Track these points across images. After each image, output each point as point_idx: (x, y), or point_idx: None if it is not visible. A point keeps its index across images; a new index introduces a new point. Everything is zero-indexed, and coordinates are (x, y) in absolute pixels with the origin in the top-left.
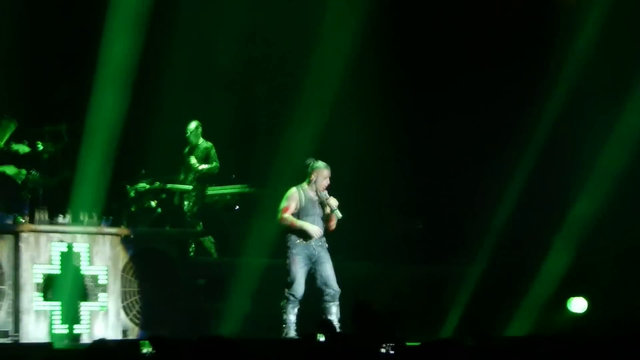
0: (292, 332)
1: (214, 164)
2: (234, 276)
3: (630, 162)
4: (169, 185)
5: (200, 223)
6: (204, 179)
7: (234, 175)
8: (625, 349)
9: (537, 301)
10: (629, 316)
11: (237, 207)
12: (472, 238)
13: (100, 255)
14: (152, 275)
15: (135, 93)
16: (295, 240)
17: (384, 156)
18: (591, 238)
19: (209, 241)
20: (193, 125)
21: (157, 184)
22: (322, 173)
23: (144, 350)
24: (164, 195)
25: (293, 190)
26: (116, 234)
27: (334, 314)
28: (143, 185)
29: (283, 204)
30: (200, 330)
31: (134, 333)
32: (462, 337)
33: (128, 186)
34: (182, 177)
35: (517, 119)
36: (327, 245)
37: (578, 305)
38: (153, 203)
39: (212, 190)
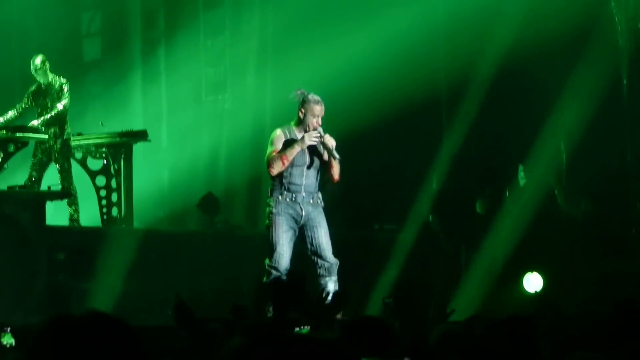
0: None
1: (66, 101)
2: (103, 248)
3: None
4: (18, 134)
5: (74, 184)
6: (62, 125)
7: (101, 123)
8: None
9: (482, 278)
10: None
11: (105, 162)
12: (404, 199)
13: None
14: None
15: None
16: (278, 197)
17: None
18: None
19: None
20: (39, 60)
21: (4, 132)
22: (312, 109)
23: (4, 342)
24: (12, 148)
25: (277, 132)
26: None
27: (331, 292)
28: None
29: (269, 150)
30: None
31: None
32: (389, 319)
33: None
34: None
35: None
36: (322, 204)
37: (533, 282)
38: None
39: (74, 141)
